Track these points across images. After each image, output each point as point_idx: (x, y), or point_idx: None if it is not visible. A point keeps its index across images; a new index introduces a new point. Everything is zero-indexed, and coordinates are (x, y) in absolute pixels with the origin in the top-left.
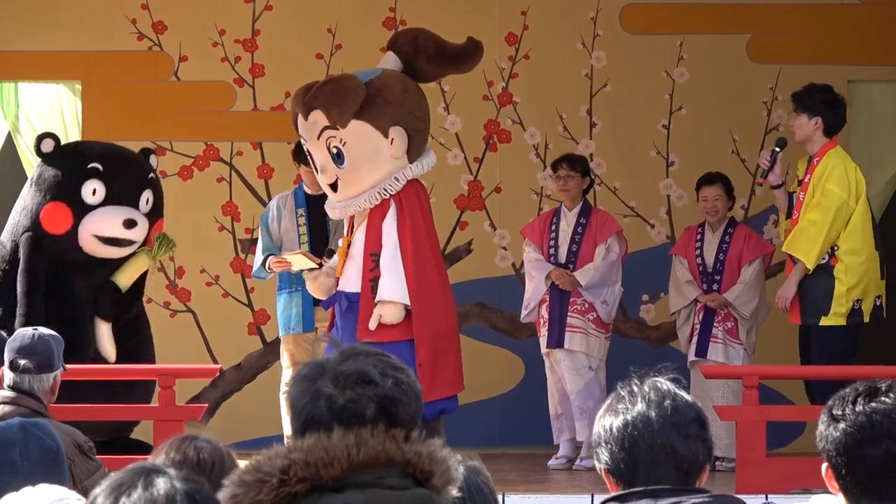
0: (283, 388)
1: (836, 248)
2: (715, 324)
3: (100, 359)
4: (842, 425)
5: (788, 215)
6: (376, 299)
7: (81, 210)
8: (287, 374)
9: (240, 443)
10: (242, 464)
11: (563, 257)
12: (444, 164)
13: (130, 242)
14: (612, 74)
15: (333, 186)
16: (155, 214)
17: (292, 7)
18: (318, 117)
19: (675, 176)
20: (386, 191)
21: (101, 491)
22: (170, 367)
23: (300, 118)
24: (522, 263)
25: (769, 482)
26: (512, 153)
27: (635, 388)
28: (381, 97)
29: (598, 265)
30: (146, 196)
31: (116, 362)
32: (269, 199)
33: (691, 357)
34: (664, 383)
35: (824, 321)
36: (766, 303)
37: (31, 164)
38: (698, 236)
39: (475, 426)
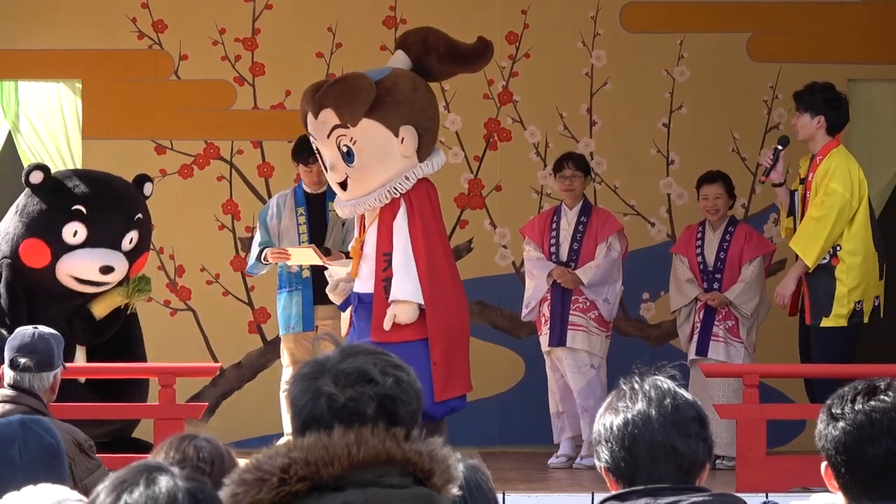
0: (284, 386)
1: (837, 248)
2: (716, 322)
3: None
4: (841, 424)
5: (790, 213)
6: (390, 299)
7: (60, 249)
8: (287, 372)
9: (240, 441)
10: (242, 463)
11: (564, 256)
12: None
13: (106, 283)
14: (613, 73)
15: (343, 185)
16: (140, 250)
17: (292, 6)
18: (329, 116)
19: (675, 174)
20: (396, 189)
21: (103, 488)
22: (170, 366)
23: (310, 116)
24: (523, 262)
25: (769, 481)
26: (512, 152)
27: (636, 387)
28: (392, 96)
29: (600, 263)
30: (130, 237)
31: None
32: (270, 197)
33: (692, 356)
34: (664, 382)
35: (825, 322)
36: (766, 301)
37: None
38: (699, 235)
39: (475, 425)
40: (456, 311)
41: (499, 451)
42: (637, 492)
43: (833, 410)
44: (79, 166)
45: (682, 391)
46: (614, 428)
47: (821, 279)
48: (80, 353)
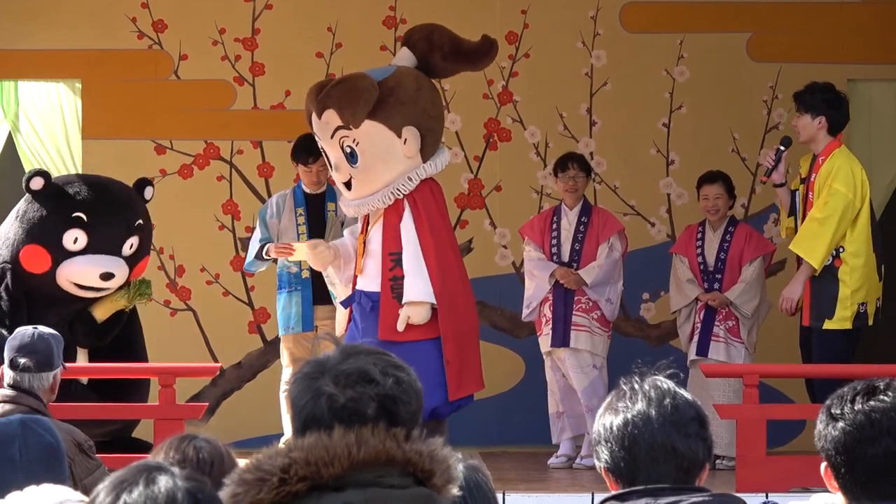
0: (284, 386)
1: (841, 249)
2: (716, 322)
3: (75, 382)
4: (840, 424)
5: (791, 213)
6: (403, 300)
7: (61, 256)
8: (287, 373)
9: (240, 441)
10: (242, 463)
11: (566, 256)
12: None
13: (107, 289)
14: (613, 73)
15: (347, 185)
16: (140, 255)
17: (292, 6)
18: (331, 117)
19: (675, 174)
20: (399, 191)
21: (103, 488)
22: (170, 366)
23: (314, 116)
24: (523, 262)
25: (769, 481)
26: (512, 152)
27: (635, 387)
28: (394, 97)
29: (602, 264)
30: (130, 242)
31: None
32: (270, 197)
33: (692, 356)
34: (664, 382)
35: (828, 325)
36: (766, 301)
37: (31, 163)
38: (699, 235)
39: (475, 425)
40: (466, 311)
41: (499, 451)
42: (637, 492)
43: (832, 411)
44: (79, 166)
45: (682, 391)
46: (614, 428)
47: (823, 281)
48: (82, 356)
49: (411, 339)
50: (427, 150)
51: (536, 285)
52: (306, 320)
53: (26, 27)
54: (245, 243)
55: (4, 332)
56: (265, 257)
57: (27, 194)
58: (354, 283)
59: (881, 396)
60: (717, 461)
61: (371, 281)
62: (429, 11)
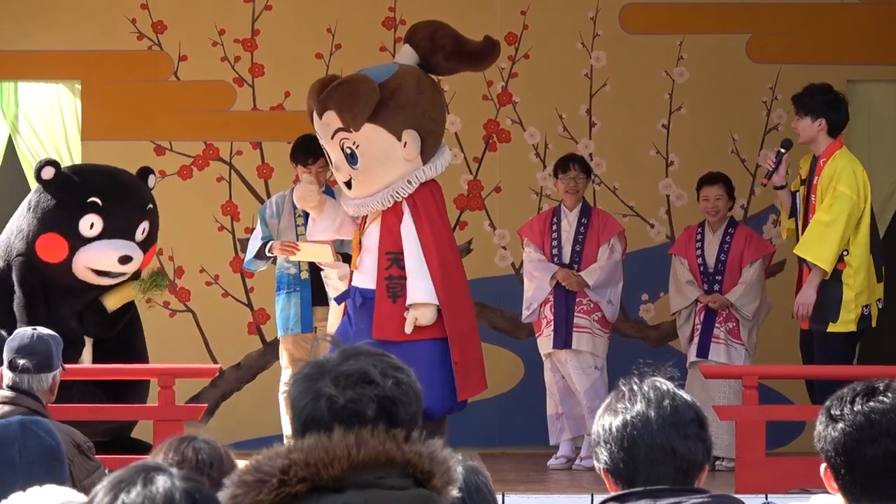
0: (283, 388)
1: (845, 252)
2: (716, 324)
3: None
4: (840, 425)
5: (792, 214)
6: (408, 303)
7: (77, 242)
8: (286, 374)
9: (239, 443)
10: (242, 464)
11: (566, 257)
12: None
13: (123, 274)
14: (612, 74)
15: (348, 184)
16: (150, 240)
17: (292, 6)
18: (332, 118)
19: (674, 176)
20: (399, 193)
21: (101, 488)
22: (169, 367)
23: (315, 115)
24: (522, 263)
25: (769, 482)
26: (511, 153)
27: (635, 388)
28: (395, 100)
29: (603, 265)
30: (142, 227)
31: (106, 355)
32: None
33: (692, 357)
34: (664, 383)
35: (832, 328)
36: (766, 303)
37: (31, 164)
38: (698, 236)
39: (475, 426)
40: (467, 311)
41: (498, 452)
42: (636, 493)
43: (832, 412)
44: None
45: (681, 392)
46: (613, 429)
47: (827, 285)
48: (88, 345)
49: (405, 340)
50: (427, 152)
51: (536, 286)
52: (305, 321)
53: (26, 28)
54: (244, 244)
55: (4, 333)
56: (267, 254)
57: (38, 185)
58: (350, 280)
59: (881, 397)
60: (717, 462)
61: (366, 277)
62: (428, 13)
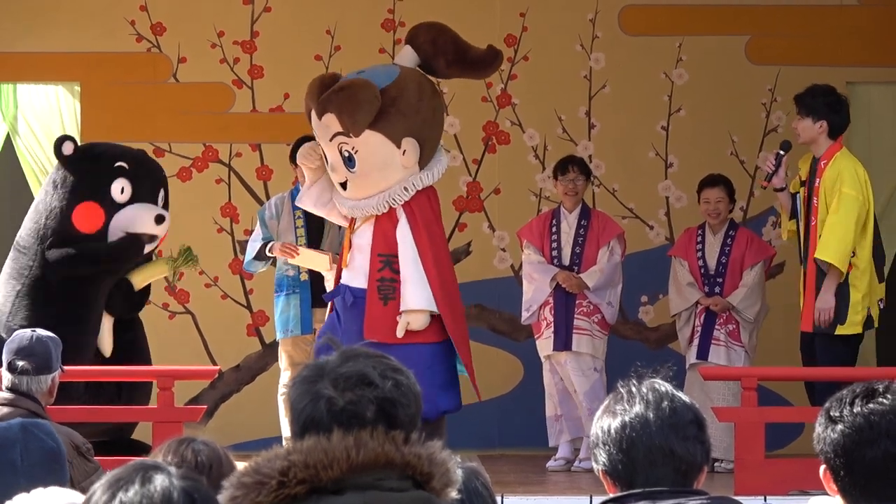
0: (282, 389)
1: (853, 253)
2: (717, 326)
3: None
4: (840, 427)
5: (792, 216)
6: (402, 308)
7: (112, 209)
8: (285, 376)
9: (238, 444)
10: (241, 466)
11: (566, 259)
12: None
13: (153, 240)
14: (611, 76)
15: (343, 185)
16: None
17: (291, 8)
18: (331, 121)
19: (673, 177)
20: (395, 200)
21: (99, 486)
22: (169, 369)
23: (314, 115)
24: (521, 265)
25: (768, 484)
26: (511, 155)
27: (633, 390)
28: (396, 107)
29: (603, 267)
30: (162, 194)
31: (112, 360)
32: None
33: (692, 359)
34: (662, 384)
35: (840, 330)
36: (766, 305)
37: (30, 165)
38: (698, 238)
39: (474, 428)
40: (462, 317)
41: (497, 454)
42: (635, 495)
43: (831, 413)
44: None
45: (680, 394)
46: (612, 431)
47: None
48: (107, 323)
49: (396, 343)
50: (424, 158)
51: (536, 288)
52: (305, 323)
53: (25, 29)
54: (244, 246)
55: (3, 334)
56: (268, 254)
57: (58, 164)
58: (338, 277)
59: (880, 399)
60: (716, 464)
61: (356, 276)
62: (428, 14)
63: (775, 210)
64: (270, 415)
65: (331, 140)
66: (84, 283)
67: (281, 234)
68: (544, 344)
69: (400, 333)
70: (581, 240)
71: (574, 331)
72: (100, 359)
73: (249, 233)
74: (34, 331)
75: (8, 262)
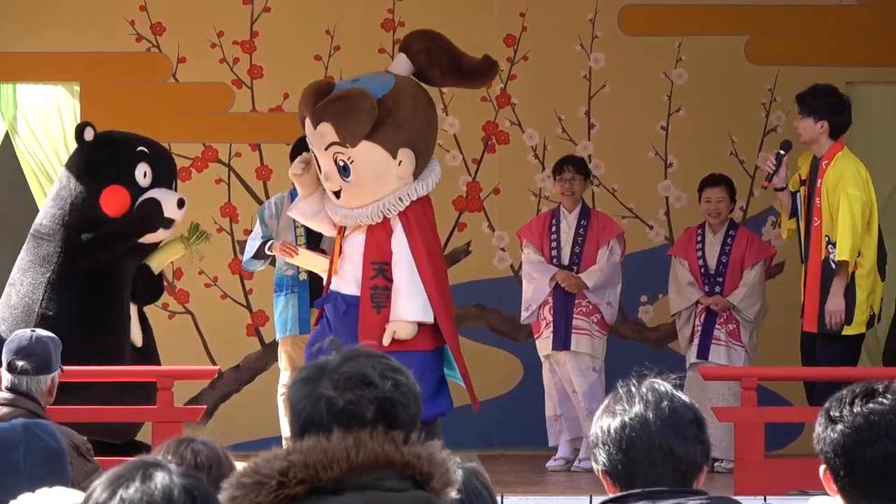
0: (282, 389)
1: (858, 253)
2: (717, 326)
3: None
4: (839, 427)
5: (792, 215)
6: (393, 318)
7: (137, 192)
8: (285, 376)
9: (238, 444)
10: (240, 466)
11: (566, 259)
12: (443, 165)
13: (171, 224)
14: (611, 76)
15: (337, 193)
16: None
17: (291, 8)
18: (327, 130)
19: (673, 177)
20: (389, 210)
21: (99, 483)
22: (168, 369)
23: (308, 122)
24: (521, 265)
25: (767, 483)
26: (510, 154)
27: (633, 389)
28: (392, 118)
29: (603, 267)
30: (174, 181)
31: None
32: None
33: (692, 359)
34: (662, 384)
35: (847, 330)
36: (766, 305)
37: (30, 164)
38: (698, 238)
39: (473, 428)
40: (455, 327)
41: (497, 454)
42: (635, 495)
43: (831, 413)
44: None
45: (680, 393)
46: (611, 431)
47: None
48: (133, 312)
49: (393, 350)
50: (419, 168)
51: (535, 288)
52: (304, 323)
53: (25, 29)
54: (243, 246)
55: (2, 334)
56: (267, 253)
57: (76, 150)
58: (328, 284)
59: (880, 399)
60: (716, 464)
61: (347, 284)
62: (427, 14)
63: (775, 210)
64: (270, 415)
65: (326, 149)
66: (112, 267)
67: (280, 233)
68: (543, 343)
69: (386, 342)
70: (581, 239)
71: (573, 330)
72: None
73: (249, 232)
74: (34, 331)
75: (27, 250)
